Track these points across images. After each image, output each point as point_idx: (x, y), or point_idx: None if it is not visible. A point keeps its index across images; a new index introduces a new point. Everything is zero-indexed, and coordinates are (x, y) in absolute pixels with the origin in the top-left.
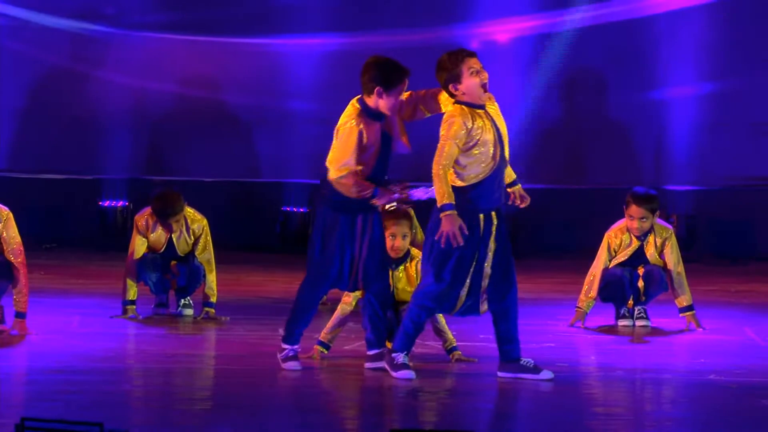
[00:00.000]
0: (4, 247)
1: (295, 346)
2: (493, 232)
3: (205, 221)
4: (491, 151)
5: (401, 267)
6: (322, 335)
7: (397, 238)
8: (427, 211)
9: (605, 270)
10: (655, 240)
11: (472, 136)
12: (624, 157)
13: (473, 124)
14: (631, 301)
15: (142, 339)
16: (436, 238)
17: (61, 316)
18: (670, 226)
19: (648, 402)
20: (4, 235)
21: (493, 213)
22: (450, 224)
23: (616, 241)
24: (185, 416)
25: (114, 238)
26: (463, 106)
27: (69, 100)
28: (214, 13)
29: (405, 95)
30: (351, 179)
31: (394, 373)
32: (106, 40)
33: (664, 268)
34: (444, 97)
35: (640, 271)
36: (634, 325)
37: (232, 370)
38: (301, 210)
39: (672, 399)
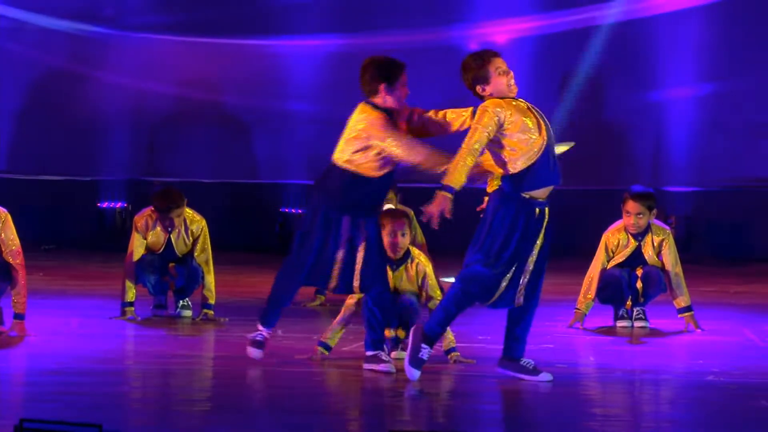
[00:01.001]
0: (2, 249)
1: (268, 330)
2: (543, 229)
3: (203, 222)
4: (536, 132)
5: (401, 267)
6: (324, 336)
7: (396, 236)
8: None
9: (603, 271)
10: (652, 240)
11: (506, 127)
12: (622, 158)
13: (505, 113)
14: (629, 303)
15: (141, 340)
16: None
17: (60, 318)
18: (667, 227)
19: (646, 403)
20: (2, 236)
21: (546, 209)
22: (439, 205)
23: (614, 242)
24: (184, 417)
25: (113, 239)
26: (496, 98)
27: (68, 102)
28: (213, 14)
29: (418, 111)
30: (426, 152)
31: (406, 363)
32: (105, 41)
33: (663, 269)
34: (451, 116)
35: (639, 272)
36: (632, 326)
37: (231, 371)
38: (300, 211)
39: (670, 400)
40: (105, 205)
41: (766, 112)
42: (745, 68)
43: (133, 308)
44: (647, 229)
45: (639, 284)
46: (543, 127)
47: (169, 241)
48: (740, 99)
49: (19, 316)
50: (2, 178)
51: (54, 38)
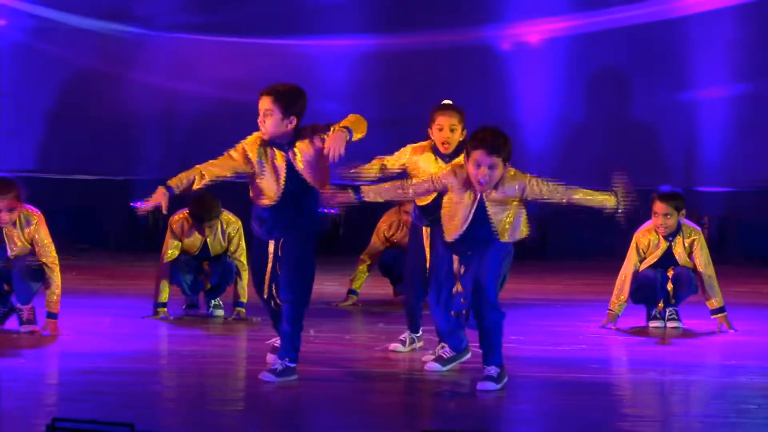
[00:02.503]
0: (36, 249)
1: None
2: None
3: (239, 223)
4: None
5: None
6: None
7: (444, 130)
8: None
9: (636, 272)
10: (683, 241)
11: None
12: (655, 158)
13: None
14: (661, 303)
15: (173, 340)
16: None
17: (93, 317)
18: (698, 227)
19: (678, 404)
20: (36, 237)
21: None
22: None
23: (644, 242)
24: (216, 417)
25: (146, 239)
26: None
27: (100, 102)
28: (245, 14)
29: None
30: None
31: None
32: (138, 41)
33: (694, 270)
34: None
35: (670, 273)
36: (665, 327)
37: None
38: (333, 211)
39: (702, 401)
40: (137, 204)
41: None
42: None
43: (165, 308)
44: (678, 229)
45: (670, 285)
46: None
47: (205, 244)
48: None
49: (52, 315)
50: (35, 178)
51: (86, 38)
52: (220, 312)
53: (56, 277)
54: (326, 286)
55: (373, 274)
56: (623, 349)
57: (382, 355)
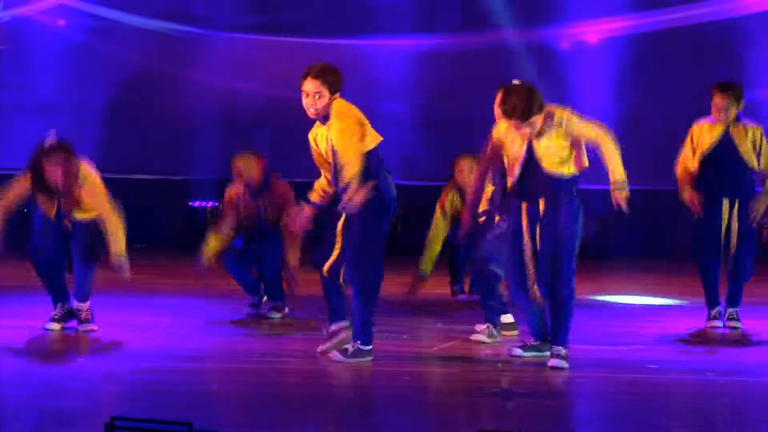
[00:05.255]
0: (89, 201)
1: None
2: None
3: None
4: None
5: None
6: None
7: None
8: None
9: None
10: (745, 132)
11: None
12: None
13: None
14: (719, 309)
15: (232, 339)
16: None
17: (151, 316)
18: (760, 125)
19: (736, 405)
20: (87, 188)
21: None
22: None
23: (697, 131)
24: (274, 416)
25: (203, 238)
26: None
27: (158, 101)
28: (303, 14)
29: None
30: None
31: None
32: (196, 41)
33: (758, 232)
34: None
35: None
36: (724, 327)
37: (322, 369)
38: None
39: (762, 402)
40: (196, 204)
41: None
42: None
43: (213, 257)
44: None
45: (733, 242)
46: None
47: (259, 214)
48: None
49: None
50: None
51: (145, 38)
52: (276, 315)
53: (114, 224)
54: (384, 286)
55: (432, 273)
56: (681, 350)
57: (440, 354)
